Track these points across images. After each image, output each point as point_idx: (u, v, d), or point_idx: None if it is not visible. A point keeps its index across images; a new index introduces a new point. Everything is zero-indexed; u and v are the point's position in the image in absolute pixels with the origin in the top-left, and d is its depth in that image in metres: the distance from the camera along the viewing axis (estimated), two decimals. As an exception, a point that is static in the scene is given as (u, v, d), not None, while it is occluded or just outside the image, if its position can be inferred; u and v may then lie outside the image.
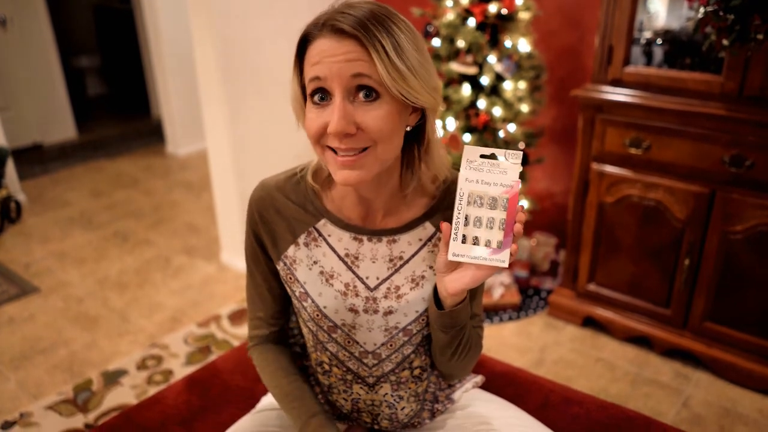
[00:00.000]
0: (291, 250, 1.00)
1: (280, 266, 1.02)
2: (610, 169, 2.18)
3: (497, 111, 2.37)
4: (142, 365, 2.24)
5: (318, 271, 0.99)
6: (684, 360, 2.21)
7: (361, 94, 0.82)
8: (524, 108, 2.41)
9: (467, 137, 2.47)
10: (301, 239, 1.00)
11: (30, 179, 4.29)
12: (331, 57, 0.81)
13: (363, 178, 0.85)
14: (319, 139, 0.85)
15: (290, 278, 1.01)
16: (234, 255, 3.00)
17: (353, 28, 0.80)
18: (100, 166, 4.64)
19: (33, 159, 4.71)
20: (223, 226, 3.01)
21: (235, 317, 2.54)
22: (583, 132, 2.22)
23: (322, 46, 0.81)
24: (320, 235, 0.99)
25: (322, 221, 0.99)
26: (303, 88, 0.88)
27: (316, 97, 0.84)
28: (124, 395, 2.08)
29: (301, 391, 1.05)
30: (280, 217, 1.00)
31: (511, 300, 2.55)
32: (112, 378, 2.17)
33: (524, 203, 2.55)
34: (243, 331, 2.44)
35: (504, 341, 2.37)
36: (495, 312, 2.54)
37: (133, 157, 4.85)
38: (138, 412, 1.36)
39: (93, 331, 2.51)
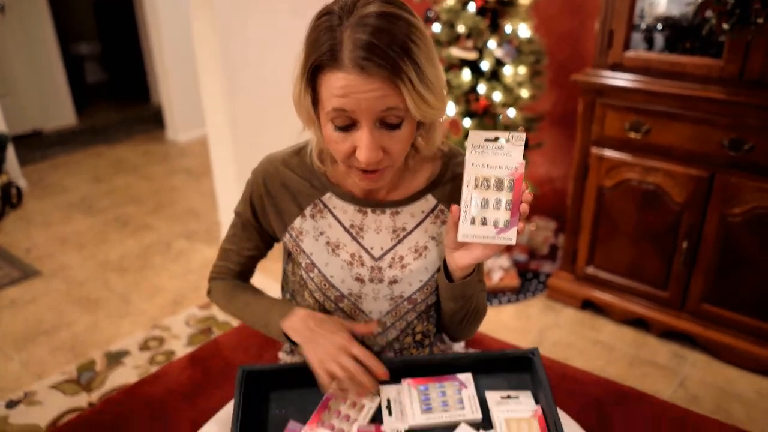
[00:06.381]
0: (297, 222, 1.03)
1: (285, 238, 1.05)
2: (609, 153, 2.19)
3: (497, 96, 2.38)
4: (144, 346, 2.26)
5: (324, 241, 1.02)
6: (681, 341, 2.23)
7: (386, 121, 0.83)
8: (524, 93, 2.41)
9: (467, 122, 2.48)
10: (307, 211, 1.02)
11: (30, 165, 4.29)
12: (359, 93, 0.79)
13: (383, 183, 0.93)
14: (347, 161, 0.87)
15: (296, 249, 1.04)
16: (234, 239, 3.00)
17: (379, 65, 0.77)
18: (99, 152, 4.64)
19: (33, 145, 4.72)
20: (223, 210, 3.02)
21: (236, 300, 2.55)
22: (583, 116, 2.23)
23: (347, 81, 0.78)
24: (326, 207, 1.02)
25: (328, 194, 1.02)
26: (313, 101, 0.87)
27: (338, 122, 0.83)
28: (127, 375, 2.10)
29: (258, 296, 1.10)
30: (285, 190, 1.03)
31: (510, 283, 2.57)
32: (115, 358, 2.19)
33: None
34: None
35: (503, 324, 2.39)
36: (494, 295, 2.56)
37: (133, 144, 4.85)
38: (141, 387, 1.37)
39: (94, 314, 2.52)
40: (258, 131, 2.81)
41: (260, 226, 1.08)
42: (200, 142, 4.77)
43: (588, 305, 2.45)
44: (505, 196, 0.87)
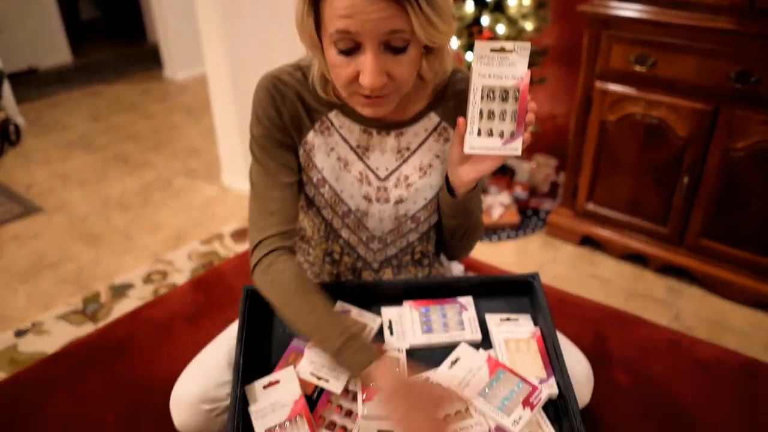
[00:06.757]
0: (310, 136, 1.01)
1: (300, 152, 1.03)
2: (613, 86, 2.16)
3: (501, 28, 2.33)
4: (147, 279, 2.28)
5: (335, 157, 1.02)
6: (678, 276, 2.26)
7: (391, 44, 0.81)
8: (528, 26, 2.36)
9: (469, 56, 2.44)
10: (317, 126, 1.01)
11: (27, 103, 4.25)
12: (364, 14, 0.77)
13: (387, 110, 0.90)
14: (349, 86, 0.85)
15: (309, 164, 1.03)
16: (235, 176, 3.00)
17: None
18: (97, 90, 4.58)
19: (29, 82, 4.65)
20: (223, 148, 3.00)
21: (238, 235, 2.57)
22: (588, 49, 2.18)
23: (352, 1, 0.77)
24: (332, 125, 1.01)
25: (334, 111, 1.00)
26: (316, 24, 0.85)
27: (342, 45, 0.81)
28: (131, 306, 2.11)
29: (331, 315, 0.92)
30: (298, 99, 0.99)
31: (511, 220, 2.58)
32: (119, 291, 2.22)
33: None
34: (246, 247, 2.48)
35: (502, 259, 2.41)
36: (494, 231, 2.58)
37: (131, 82, 4.78)
38: (145, 311, 1.40)
39: (97, 248, 2.55)
40: (257, 68, 2.75)
41: (284, 134, 0.99)
42: (199, 80, 4.70)
43: (587, 241, 2.47)
44: (511, 107, 0.87)
